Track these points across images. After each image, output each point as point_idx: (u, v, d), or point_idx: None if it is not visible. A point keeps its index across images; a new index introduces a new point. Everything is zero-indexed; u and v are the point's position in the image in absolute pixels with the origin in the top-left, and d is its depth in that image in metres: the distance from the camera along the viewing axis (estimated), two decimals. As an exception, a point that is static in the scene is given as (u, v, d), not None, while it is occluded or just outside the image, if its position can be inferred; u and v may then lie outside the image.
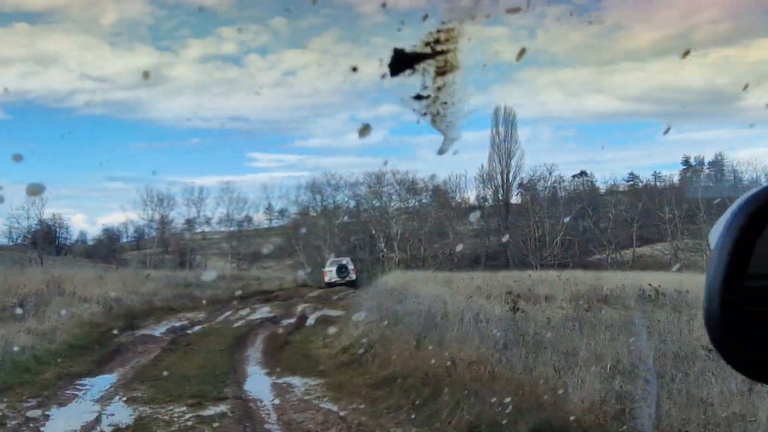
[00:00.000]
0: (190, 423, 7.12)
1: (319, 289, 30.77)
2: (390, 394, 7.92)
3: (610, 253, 54.69)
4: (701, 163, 65.24)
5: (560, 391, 6.79)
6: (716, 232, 1.01)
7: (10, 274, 20.43)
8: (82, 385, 9.29)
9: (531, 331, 10.29)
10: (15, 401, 8.00)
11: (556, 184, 58.70)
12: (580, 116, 72.90)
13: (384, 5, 1.67)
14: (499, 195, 57.33)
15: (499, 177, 56.62)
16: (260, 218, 62.57)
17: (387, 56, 1.56)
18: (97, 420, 7.38)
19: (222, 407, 7.75)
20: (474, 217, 58.91)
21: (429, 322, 10.66)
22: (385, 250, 50.84)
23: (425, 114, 1.64)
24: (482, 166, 57.81)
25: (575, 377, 7.30)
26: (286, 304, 21.91)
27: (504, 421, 6.31)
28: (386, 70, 1.56)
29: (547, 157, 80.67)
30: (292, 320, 17.37)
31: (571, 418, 6.25)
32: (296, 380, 9.38)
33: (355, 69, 1.78)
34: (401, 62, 1.57)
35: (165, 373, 9.75)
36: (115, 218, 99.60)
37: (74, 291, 17.28)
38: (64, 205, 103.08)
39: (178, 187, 62.73)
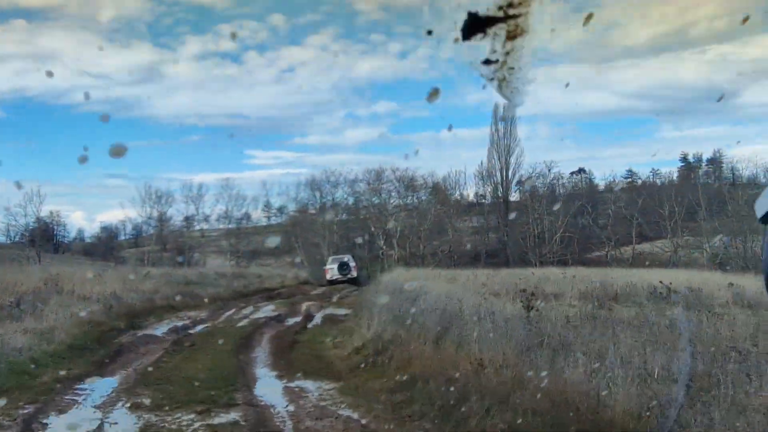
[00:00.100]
0: (200, 433, 6.65)
1: (321, 286, 30.42)
2: (412, 399, 7.43)
3: (610, 250, 54.39)
4: (699, 159, 65.09)
5: (601, 395, 6.34)
6: (763, 204, 1.09)
7: (7, 273, 19.86)
8: (83, 389, 8.78)
9: (551, 332, 9.87)
10: (11, 408, 7.46)
11: (554, 181, 58.46)
12: (578, 113, 72.49)
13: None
14: (499, 192, 56.98)
15: (498, 174, 56.30)
16: (259, 215, 62.14)
17: (460, 20, 1.56)
18: (100, 429, 6.89)
19: (233, 414, 7.25)
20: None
21: (446, 322, 10.19)
22: (384, 247, 50.42)
23: (492, 79, 1.64)
24: (481, 163, 57.64)
25: (608, 381, 6.87)
26: (290, 302, 21.47)
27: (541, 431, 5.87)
28: (459, 34, 1.57)
29: (546, 155, 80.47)
30: (298, 319, 16.93)
31: (613, 430, 5.81)
32: (309, 384, 8.89)
33: (430, 32, 1.73)
34: (474, 26, 1.57)
35: (170, 377, 9.29)
36: (113, 216, 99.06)
37: (73, 289, 16.81)
38: (62, 203, 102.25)
39: (177, 184, 62.32)
